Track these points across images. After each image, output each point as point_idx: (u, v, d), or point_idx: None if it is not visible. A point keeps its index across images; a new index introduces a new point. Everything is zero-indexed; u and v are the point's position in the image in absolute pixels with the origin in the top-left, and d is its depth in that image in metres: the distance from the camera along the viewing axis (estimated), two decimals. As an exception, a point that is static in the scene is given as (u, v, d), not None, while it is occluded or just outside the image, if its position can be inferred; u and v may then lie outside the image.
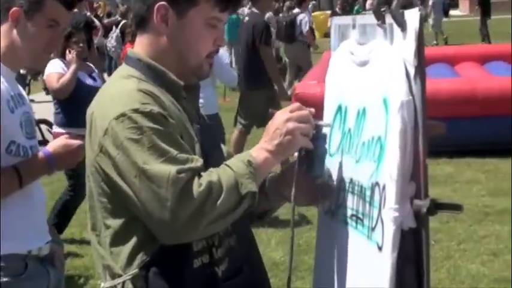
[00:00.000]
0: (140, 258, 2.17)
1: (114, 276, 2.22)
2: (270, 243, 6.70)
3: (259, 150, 2.22)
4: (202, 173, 2.12)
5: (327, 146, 2.38)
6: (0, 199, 2.87)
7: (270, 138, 2.22)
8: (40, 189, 3.14)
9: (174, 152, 2.10)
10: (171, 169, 2.07)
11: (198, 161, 2.14)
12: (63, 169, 3.22)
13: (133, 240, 2.18)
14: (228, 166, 2.16)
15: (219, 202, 2.09)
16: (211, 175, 2.12)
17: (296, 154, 2.32)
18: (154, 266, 2.16)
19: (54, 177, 3.47)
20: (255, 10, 9.43)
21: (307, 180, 2.38)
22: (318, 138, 2.30)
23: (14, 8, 2.96)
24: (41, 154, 3.06)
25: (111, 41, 16.61)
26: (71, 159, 3.12)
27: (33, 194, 3.05)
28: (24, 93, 3.16)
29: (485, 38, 25.79)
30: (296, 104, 2.28)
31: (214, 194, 2.09)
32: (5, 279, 2.93)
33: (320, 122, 2.31)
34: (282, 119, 2.22)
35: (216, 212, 2.09)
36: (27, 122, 3.04)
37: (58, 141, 3.14)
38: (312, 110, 2.28)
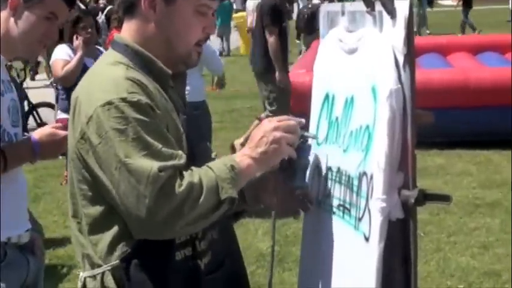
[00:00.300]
0: (121, 249, 2.15)
1: (93, 265, 2.21)
2: (257, 234, 6.70)
3: (243, 157, 2.20)
4: (184, 172, 2.09)
5: (310, 158, 2.38)
6: None
7: (255, 145, 2.21)
8: (22, 176, 3.13)
9: (158, 145, 2.08)
10: (152, 165, 2.04)
11: (181, 158, 2.11)
12: (46, 159, 3.19)
13: (114, 230, 2.16)
14: (211, 168, 2.14)
15: (198, 204, 2.07)
16: (192, 175, 2.09)
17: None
18: (136, 258, 2.14)
19: (39, 164, 3.44)
20: None
21: (286, 190, 2.39)
22: (303, 149, 2.31)
23: None
24: (27, 140, 3.05)
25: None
26: (56, 149, 3.10)
27: (18, 180, 3.04)
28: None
29: (465, 29, 25.82)
30: (285, 116, 2.28)
31: (194, 195, 2.07)
32: None
33: (306, 133, 2.33)
34: (270, 127, 2.21)
35: (194, 213, 2.07)
36: (14, 109, 3.03)
37: (45, 129, 3.12)
38: (302, 120, 2.29)
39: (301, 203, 2.46)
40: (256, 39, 9.47)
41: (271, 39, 8.90)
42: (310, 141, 2.35)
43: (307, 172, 2.39)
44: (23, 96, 11.43)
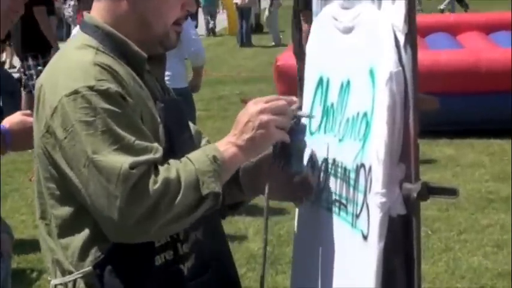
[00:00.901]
0: (94, 254, 2.15)
1: (64, 272, 2.20)
2: (248, 233, 6.72)
3: (227, 145, 2.17)
4: (160, 167, 2.06)
5: (306, 139, 2.37)
6: None
7: (241, 131, 2.18)
8: None
9: (131, 138, 2.06)
10: (123, 162, 2.01)
11: (157, 152, 2.09)
12: (19, 149, 3.16)
13: (85, 232, 2.15)
14: (190, 160, 2.11)
15: (175, 203, 2.04)
16: (169, 170, 2.06)
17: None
18: (110, 263, 2.14)
19: (8, 158, 3.42)
20: None
21: (283, 177, 2.37)
22: (296, 131, 2.28)
23: None
24: None
25: (68, 10, 16.47)
26: (28, 139, 3.09)
27: None
28: None
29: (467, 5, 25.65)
30: (273, 96, 2.24)
31: (171, 193, 2.04)
32: None
33: (299, 113, 2.30)
34: (255, 110, 2.18)
35: (171, 213, 2.04)
36: None
37: (15, 116, 3.08)
38: (293, 98, 2.26)
39: (301, 189, 2.44)
40: (293, 23, 9.38)
41: (305, 27, 8.70)
42: (304, 120, 2.32)
43: (304, 155, 2.37)
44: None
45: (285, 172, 2.36)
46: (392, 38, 2.06)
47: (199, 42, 7.41)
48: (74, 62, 2.17)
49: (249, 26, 22.48)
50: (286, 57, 10.40)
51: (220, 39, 23.46)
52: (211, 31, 24.70)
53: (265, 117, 2.16)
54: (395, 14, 2.06)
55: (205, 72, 12.73)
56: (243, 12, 22.33)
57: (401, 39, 2.04)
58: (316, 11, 2.59)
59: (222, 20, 25.23)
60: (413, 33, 2.04)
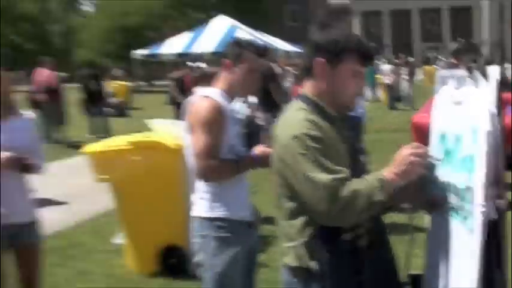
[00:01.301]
0: (308, 230, 2.17)
1: (291, 240, 2.23)
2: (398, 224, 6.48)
3: (388, 172, 2.13)
4: (348, 182, 2.07)
5: (436, 173, 2.29)
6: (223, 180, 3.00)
7: (397, 165, 2.13)
8: (245, 178, 3.16)
9: (329, 164, 2.08)
10: (327, 177, 2.05)
11: (346, 173, 2.10)
12: (263, 167, 3.20)
13: (302, 218, 2.18)
14: (366, 180, 2.11)
15: (357, 204, 2.05)
16: (354, 184, 2.07)
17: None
18: (318, 237, 2.16)
19: (258, 171, 3.47)
20: (453, 61, 7.13)
21: (421, 194, 2.32)
22: (430, 167, 2.23)
23: (226, 60, 3.03)
24: (250, 154, 3.10)
25: (287, 84, 16.61)
26: (268, 160, 3.02)
27: (243, 180, 3.11)
28: None
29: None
30: (416, 144, 2.18)
31: (355, 198, 2.05)
32: (226, 234, 3.02)
33: (432, 157, 2.24)
34: (407, 153, 2.13)
35: (354, 211, 2.05)
36: (239, 135, 3.12)
37: (259, 147, 3.11)
38: (427, 148, 2.19)
39: (431, 204, 2.36)
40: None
41: None
42: (434, 161, 2.26)
43: (433, 183, 2.30)
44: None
45: (422, 192, 2.31)
46: (487, 108, 1.98)
47: (363, 106, 7.29)
48: (295, 119, 2.20)
49: (394, 97, 21.93)
50: (419, 117, 10.00)
51: (379, 105, 22.99)
52: (374, 99, 24.28)
53: (413, 158, 2.12)
54: (488, 93, 1.98)
55: (368, 125, 12.55)
56: (391, 88, 21.81)
57: (493, 110, 1.96)
58: (437, 90, 2.51)
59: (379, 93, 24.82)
60: (500, 106, 1.95)
